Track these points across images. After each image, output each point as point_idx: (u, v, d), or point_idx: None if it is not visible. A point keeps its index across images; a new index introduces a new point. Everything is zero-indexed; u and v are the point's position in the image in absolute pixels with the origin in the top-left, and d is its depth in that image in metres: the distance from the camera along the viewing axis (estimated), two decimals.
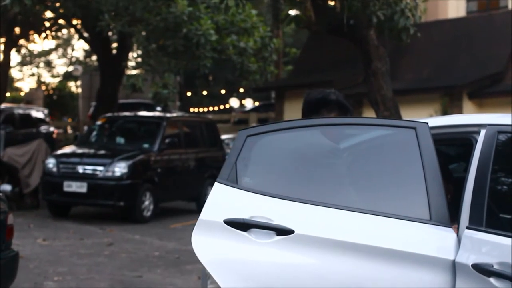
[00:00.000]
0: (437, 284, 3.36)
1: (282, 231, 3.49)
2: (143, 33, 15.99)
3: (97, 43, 20.57)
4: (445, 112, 17.98)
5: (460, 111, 18.31)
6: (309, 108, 4.46)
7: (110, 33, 19.60)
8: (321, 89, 4.59)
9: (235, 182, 3.63)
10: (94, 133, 16.21)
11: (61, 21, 20.26)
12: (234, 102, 38.22)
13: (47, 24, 19.78)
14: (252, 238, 3.53)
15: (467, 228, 3.41)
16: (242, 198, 3.60)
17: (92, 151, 15.05)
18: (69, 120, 32.90)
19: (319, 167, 3.76)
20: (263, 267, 3.53)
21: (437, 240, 3.41)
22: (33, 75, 49.70)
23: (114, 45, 21.94)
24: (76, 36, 30.40)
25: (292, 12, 14.65)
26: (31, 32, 19.72)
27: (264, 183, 3.71)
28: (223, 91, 38.12)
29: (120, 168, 13.86)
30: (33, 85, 46.32)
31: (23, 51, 40.44)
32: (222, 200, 3.63)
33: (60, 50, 49.18)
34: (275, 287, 3.51)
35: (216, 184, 3.63)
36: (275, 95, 26.14)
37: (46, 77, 48.60)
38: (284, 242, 3.49)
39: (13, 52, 21.88)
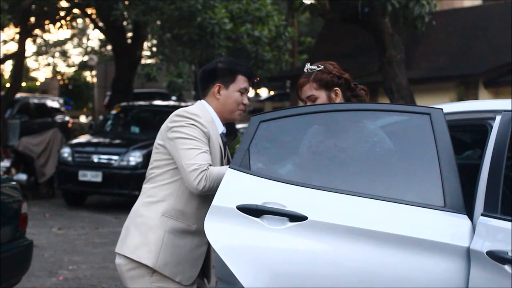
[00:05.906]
0: (451, 271, 3.33)
1: (295, 218, 3.47)
2: (158, 22, 15.96)
3: (112, 33, 20.59)
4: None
5: None
6: (203, 78, 4.23)
7: (124, 23, 19.58)
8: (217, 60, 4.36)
9: (248, 168, 3.60)
10: (109, 122, 16.22)
11: (76, 10, 20.27)
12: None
13: (62, 13, 19.79)
14: (265, 224, 3.51)
15: (482, 215, 3.37)
16: (255, 184, 3.58)
17: (107, 140, 15.05)
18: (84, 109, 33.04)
19: (332, 153, 3.73)
20: (276, 253, 3.51)
21: (452, 227, 3.38)
22: (48, 64, 49.89)
23: (129, 34, 21.92)
24: (91, 25, 30.45)
25: (307, 1, 14.57)
26: (46, 21, 19.72)
27: (277, 169, 3.69)
28: None
29: (135, 157, 13.86)
30: (49, 74, 46.52)
31: (39, 40, 40.54)
32: (235, 186, 3.60)
33: (76, 40, 49.35)
34: (288, 273, 3.50)
35: (228, 170, 3.61)
36: (290, 84, 26.08)
37: (62, 67, 48.80)
38: (297, 229, 3.47)
39: (28, 42, 21.90)
